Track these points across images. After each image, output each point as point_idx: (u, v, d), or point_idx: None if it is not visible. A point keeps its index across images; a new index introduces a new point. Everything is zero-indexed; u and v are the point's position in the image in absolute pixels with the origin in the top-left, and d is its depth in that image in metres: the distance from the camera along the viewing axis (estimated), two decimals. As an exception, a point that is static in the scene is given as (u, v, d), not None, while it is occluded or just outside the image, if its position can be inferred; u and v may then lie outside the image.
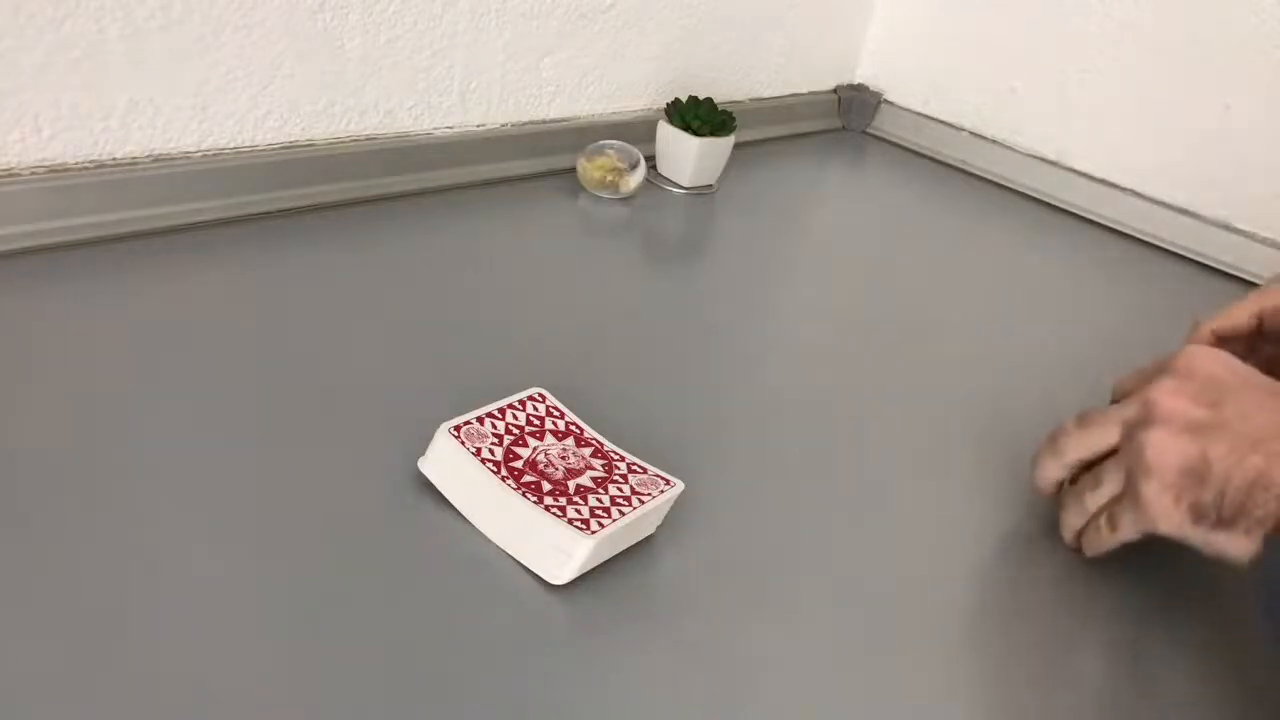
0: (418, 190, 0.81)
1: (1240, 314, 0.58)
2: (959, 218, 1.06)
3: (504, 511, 0.46)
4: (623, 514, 0.46)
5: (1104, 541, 0.50)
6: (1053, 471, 0.53)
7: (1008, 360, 0.76)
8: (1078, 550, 0.53)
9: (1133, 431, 0.48)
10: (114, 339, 0.56)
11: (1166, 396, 0.47)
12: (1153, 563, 0.52)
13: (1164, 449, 0.46)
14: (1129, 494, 0.48)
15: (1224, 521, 0.44)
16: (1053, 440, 0.53)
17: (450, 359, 0.61)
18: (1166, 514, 0.46)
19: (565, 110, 0.93)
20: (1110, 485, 0.49)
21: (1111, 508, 0.49)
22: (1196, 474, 0.45)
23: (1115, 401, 0.53)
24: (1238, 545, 0.44)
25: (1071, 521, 0.52)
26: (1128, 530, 0.48)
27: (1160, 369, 0.50)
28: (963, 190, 1.13)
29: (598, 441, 0.51)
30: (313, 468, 0.49)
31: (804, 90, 1.20)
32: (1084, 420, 0.51)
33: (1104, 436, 0.50)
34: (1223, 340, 0.58)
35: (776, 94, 1.17)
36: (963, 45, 1.16)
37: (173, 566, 0.42)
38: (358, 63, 0.75)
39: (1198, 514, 0.45)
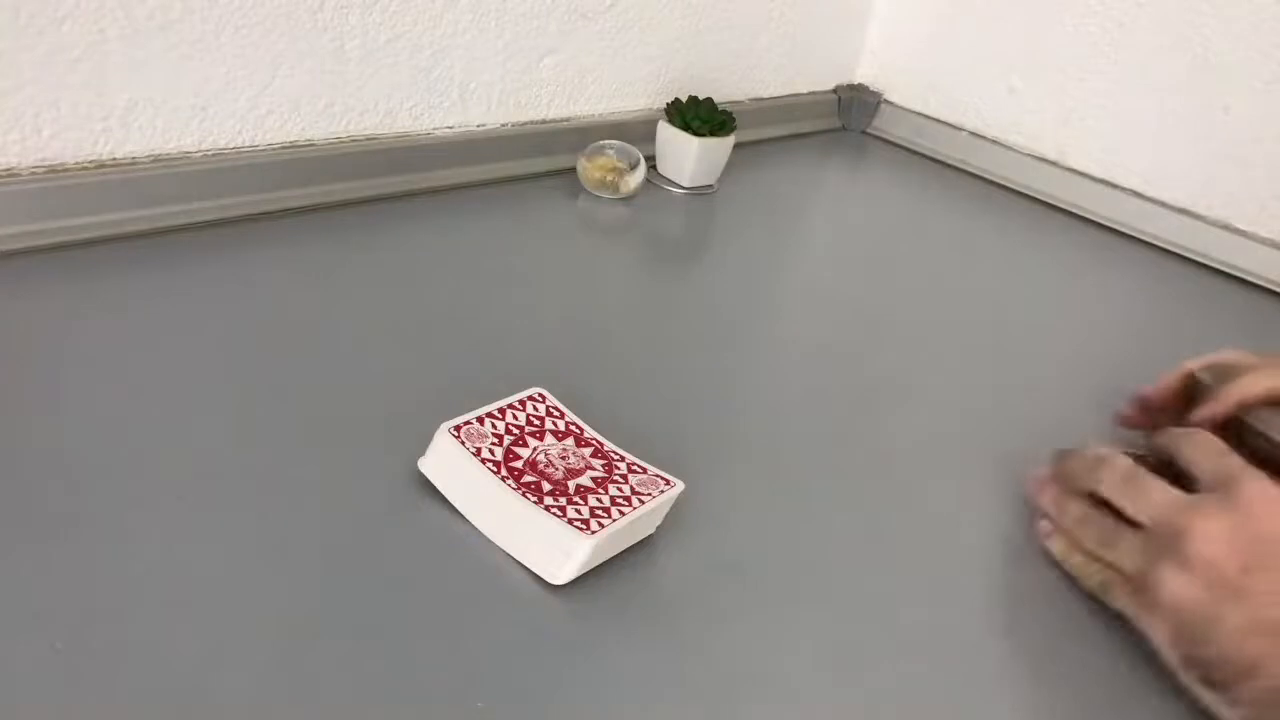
0: (418, 190, 0.81)
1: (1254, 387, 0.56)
2: (959, 218, 1.06)
3: (504, 511, 0.46)
4: (623, 514, 0.46)
5: (1086, 581, 0.50)
6: (1077, 473, 0.51)
7: (1007, 360, 0.76)
8: (1035, 515, 0.53)
9: (1160, 548, 0.45)
10: (114, 339, 0.56)
11: (1207, 541, 0.43)
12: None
13: (1179, 594, 0.44)
14: (1138, 590, 0.46)
15: (1214, 684, 0.43)
16: (1099, 462, 0.50)
17: (450, 359, 0.61)
18: (1162, 643, 0.45)
19: (565, 110, 0.93)
20: (1120, 557, 0.48)
21: (1114, 576, 0.48)
22: (1200, 633, 0.43)
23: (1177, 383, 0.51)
24: (1226, 709, 0.43)
25: (1055, 514, 0.52)
26: (1119, 606, 0.48)
27: (1223, 486, 0.45)
28: (963, 190, 1.13)
29: (598, 441, 0.51)
30: (313, 467, 0.49)
31: (804, 90, 1.21)
32: (1135, 478, 0.48)
33: (1138, 508, 0.47)
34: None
35: (776, 94, 1.17)
36: (963, 45, 1.16)
37: (172, 566, 0.42)
38: (358, 63, 0.75)
39: (1189, 664, 0.44)
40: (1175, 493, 0.47)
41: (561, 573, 0.44)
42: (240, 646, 0.39)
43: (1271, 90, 0.95)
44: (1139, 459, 0.50)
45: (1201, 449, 0.49)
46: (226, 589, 0.42)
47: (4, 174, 0.61)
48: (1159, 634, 0.45)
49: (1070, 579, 0.51)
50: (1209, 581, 0.43)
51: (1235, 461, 0.47)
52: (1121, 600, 0.48)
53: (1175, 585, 0.44)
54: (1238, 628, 0.42)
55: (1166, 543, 0.45)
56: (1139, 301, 0.94)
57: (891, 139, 1.24)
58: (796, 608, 0.47)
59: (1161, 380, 0.61)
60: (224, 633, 0.40)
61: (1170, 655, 0.45)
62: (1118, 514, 0.49)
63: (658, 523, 0.49)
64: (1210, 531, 0.44)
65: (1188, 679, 0.45)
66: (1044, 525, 0.53)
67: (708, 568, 0.48)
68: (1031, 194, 1.12)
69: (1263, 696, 0.41)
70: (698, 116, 0.91)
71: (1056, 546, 0.52)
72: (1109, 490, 0.49)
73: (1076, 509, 0.51)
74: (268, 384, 0.55)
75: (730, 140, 0.94)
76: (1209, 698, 0.44)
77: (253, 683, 0.38)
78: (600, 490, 0.48)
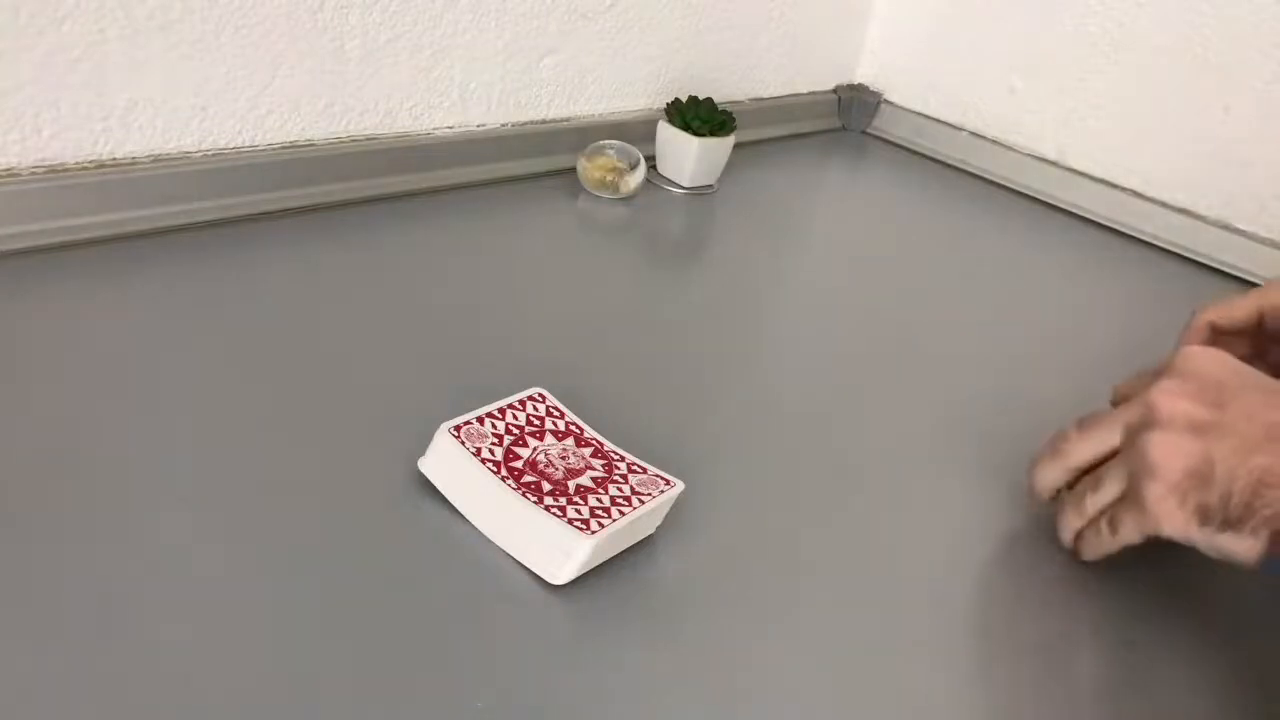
0: (418, 190, 0.81)
1: (1240, 308, 0.57)
2: (959, 218, 1.06)
3: (504, 511, 0.46)
4: (623, 514, 0.46)
5: (1104, 544, 0.50)
6: (1052, 477, 0.52)
7: (1007, 360, 0.76)
8: (1076, 554, 0.53)
9: (1134, 434, 0.47)
10: (114, 339, 0.56)
11: (1167, 398, 0.47)
12: (1149, 563, 0.52)
13: (1167, 451, 0.45)
14: (1131, 497, 0.48)
15: (1229, 523, 0.44)
16: (1053, 445, 0.52)
17: (450, 359, 0.61)
18: (1170, 516, 0.46)
19: (565, 110, 0.93)
20: (1111, 487, 0.49)
21: (1113, 510, 0.49)
22: (1200, 475, 0.44)
23: (1116, 405, 0.53)
24: (1243, 546, 0.44)
25: (1071, 524, 0.52)
26: (1129, 533, 0.48)
27: (1160, 371, 0.49)
28: (963, 190, 1.13)
29: (598, 441, 0.51)
30: (313, 467, 0.49)
31: (804, 90, 1.20)
32: (1085, 424, 0.51)
33: (1105, 439, 0.50)
34: (1222, 334, 0.57)
35: (776, 94, 1.17)
36: (963, 45, 1.16)
37: (172, 566, 0.42)
38: (358, 63, 0.75)
39: (1203, 516, 0.45)
40: (1125, 405, 0.49)
41: (561, 573, 0.44)
42: (240, 646, 0.39)
43: (1271, 90, 0.95)
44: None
45: (1143, 377, 0.51)
46: (226, 589, 0.42)
47: (4, 174, 0.61)
48: (1165, 506, 0.46)
49: (1079, 577, 0.51)
50: (1189, 427, 0.45)
51: (1170, 353, 0.50)
52: (1128, 523, 0.48)
53: (1160, 444, 0.46)
54: (1235, 452, 0.44)
55: (1140, 428, 0.47)
56: (1139, 301, 0.94)
57: (891, 139, 1.24)
58: (796, 607, 0.47)
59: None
60: (224, 633, 0.40)
61: (1183, 522, 0.45)
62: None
63: (658, 523, 0.49)
64: (1167, 391, 0.47)
65: (1203, 538, 0.45)
66: (1060, 531, 0.53)
67: (708, 568, 0.48)
68: (1031, 194, 1.12)
69: (1277, 506, 0.43)
70: (698, 116, 0.91)
71: (1084, 546, 0.52)
72: (1079, 452, 0.51)
73: (1073, 501, 0.52)
74: (268, 384, 0.55)
75: (730, 140, 0.94)
76: (1227, 545, 0.45)
77: (253, 682, 0.38)
78: (600, 490, 0.48)
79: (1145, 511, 0.47)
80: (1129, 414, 0.48)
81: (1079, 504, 0.51)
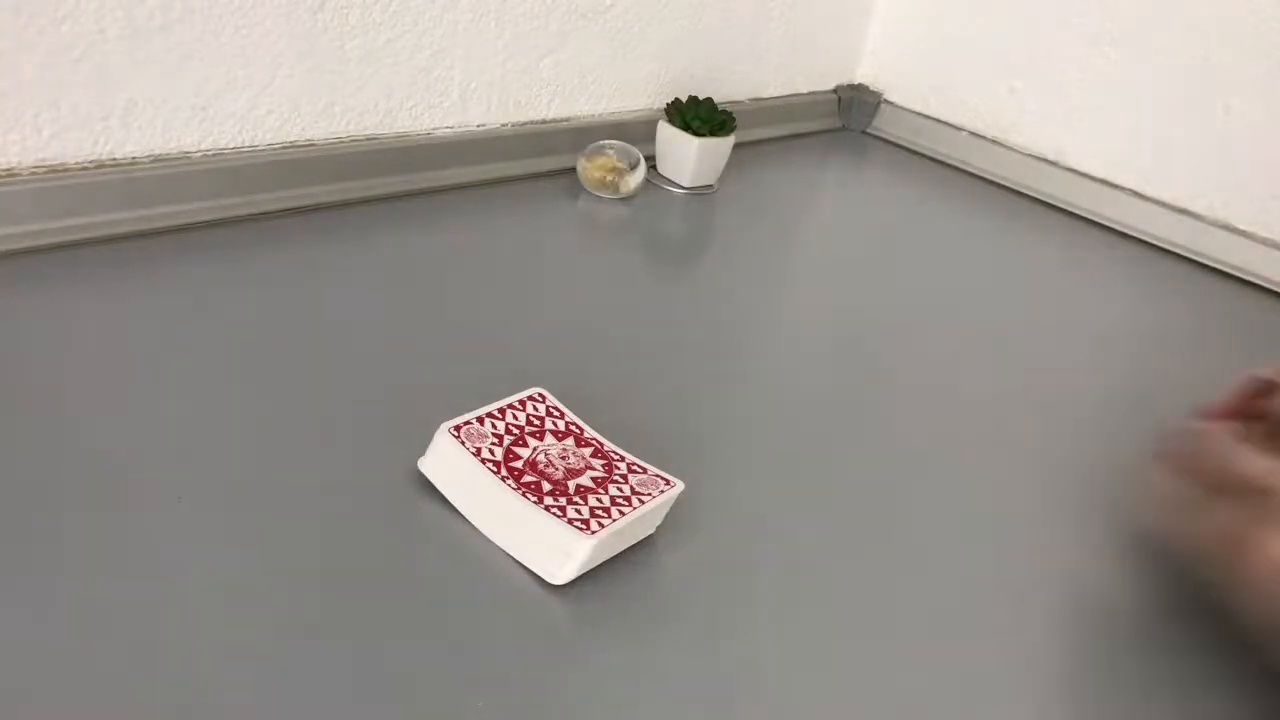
0: (418, 190, 0.81)
1: None
2: (959, 218, 1.06)
3: (504, 511, 0.46)
4: (623, 514, 0.46)
5: (1183, 553, 0.49)
6: (1213, 466, 0.51)
7: (1007, 360, 0.76)
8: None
9: (1261, 513, 0.46)
10: (114, 339, 0.56)
11: None
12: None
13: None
14: (1228, 558, 0.47)
15: None
16: (1221, 443, 0.50)
17: (450, 359, 0.61)
18: (1256, 609, 0.45)
19: (565, 110, 0.93)
20: (1216, 524, 0.48)
21: (1209, 542, 0.48)
22: None
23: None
24: None
25: (1224, 519, 0.50)
26: (1207, 575, 0.48)
27: None
28: (963, 190, 1.13)
29: (598, 441, 0.51)
30: (313, 467, 0.49)
31: (804, 90, 1.21)
32: (1229, 451, 0.49)
33: (1235, 477, 0.48)
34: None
35: (776, 94, 1.17)
36: (963, 45, 1.16)
37: (172, 566, 0.42)
38: (358, 63, 0.75)
39: None
40: (1273, 461, 0.47)
41: (561, 573, 0.44)
42: (240, 646, 0.39)
43: (1271, 90, 0.95)
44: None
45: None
46: (226, 589, 0.42)
47: (4, 174, 0.61)
48: (1254, 599, 0.45)
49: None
50: None
51: None
52: (1214, 569, 0.48)
53: (1277, 547, 0.44)
54: None
55: (1268, 508, 0.46)
56: (1139, 301, 0.94)
57: (891, 139, 1.24)
58: (796, 607, 0.47)
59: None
60: (224, 632, 0.40)
61: (1263, 622, 0.45)
62: (1221, 484, 0.49)
63: (658, 523, 0.49)
64: None
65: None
66: (1154, 500, 0.53)
67: (708, 568, 0.48)
68: (1031, 194, 1.12)
69: None
70: (698, 116, 0.91)
71: (1157, 519, 0.52)
72: (1211, 461, 0.50)
73: (1179, 486, 0.51)
74: (267, 384, 0.55)
75: (730, 140, 0.94)
76: None
77: (253, 682, 0.38)
78: (600, 490, 0.48)
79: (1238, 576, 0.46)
80: (1266, 471, 0.47)
81: (1183, 509, 0.50)
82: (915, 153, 1.21)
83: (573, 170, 0.89)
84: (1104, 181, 1.07)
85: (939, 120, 1.20)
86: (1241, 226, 0.99)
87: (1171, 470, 0.52)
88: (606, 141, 0.89)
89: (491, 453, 0.48)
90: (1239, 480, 0.48)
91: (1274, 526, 0.45)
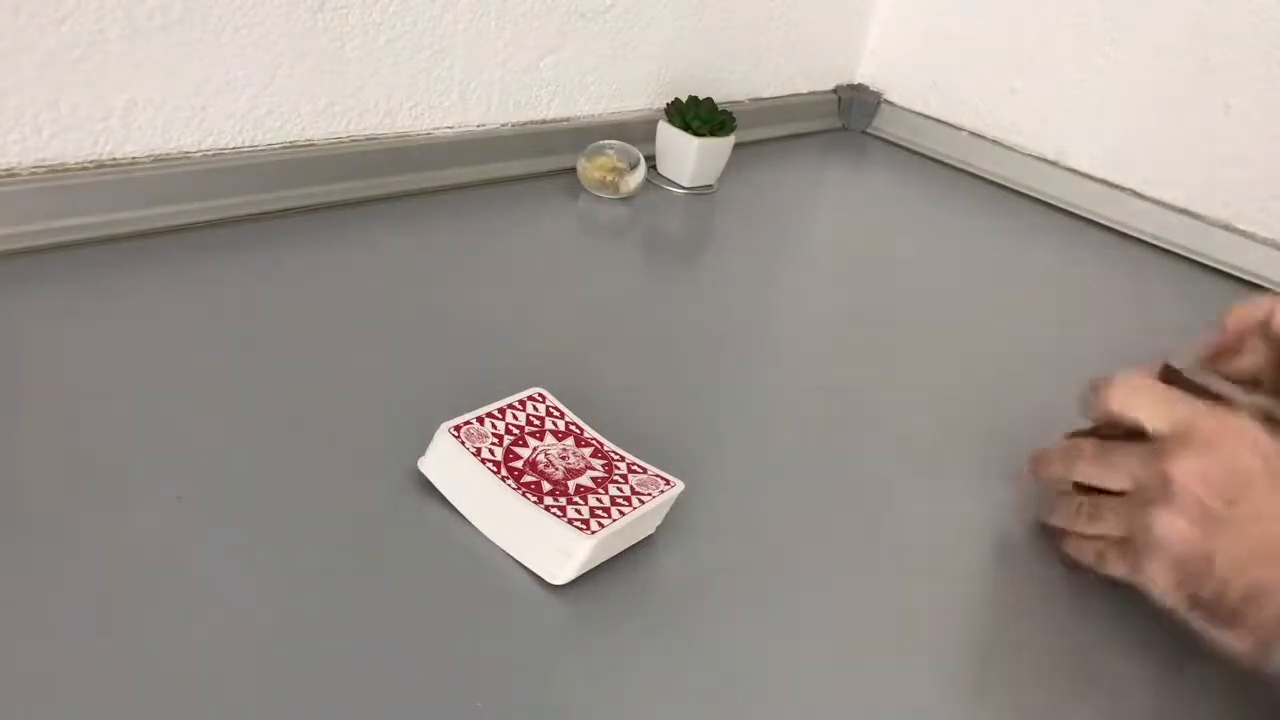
0: (418, 190, 0.81)
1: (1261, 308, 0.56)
2: (959, 218, 1.06)
3: (504, 511, 0.46)
4: (623, 514, 0.46)
5: (1087, 559, 0.50)
6: (1055, 475, 0.52)
7: (1007, 360, 0.76)
8: (1053, 536, 0.53)
9: (1144, 498, 0.46)
10: (114, 339, 0.56)
11: (1187, 479, 0.44)
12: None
13: (1172, 534, 0.44)
14: (1130, 550, 0.47)
15: (1219, 617, 0.44)
16: (1067, 455, 0.51)
17: (450, 359, 0.61)
18: (1164, 591, 0.46)
19: (565, 110, 0.93)
20: (1108, 527, 0.49)
21: (1106, 545, 0.49)
22: (1197, 569, 0.44)
23: (1093, 393, 0.52)
24: (1235, 642, 0.44)
25: (1057, 520, 0.52)
26: (1117, 572, 0.48)
27: (1185, 433, 0.46)
28: (963, 190, 1.13)
29: (598, 441, 0.51)
30: (313, 467, 0.49)
31: (804, 90, 1.20)
32: (1103, 454, 0.49)
33: (1115, 480, 0.48)
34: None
35: (776, 94, 1.17)
36: (963, 45, 1.16)
37: (172, 566, 0.42)
38: (358, 63, 0.75)
39: (1194, 604, 0.45)
40: (1141, 448, 0.48)
41: (561, 573, 0.44)
42: (240, 646, 0.39)
43: (1271, 90, 0.95)
44: (1095, 434, 0.51)
45: (1149, 401, 0.49)
46: (226, 589, 0.42)
47: (4, 174, 0.61)
48: (1160, 582, 0.45)
49: (1071, 570, 0.51)
50: (1197, 517, 0.44)
51: (1186, 407, 0.48)
52: (1117, 565, 0.48)
53: (1166, 526, 0.45)
54: (1234, 559, 0.43)
55: (1149, 495, 0.46)
56: (1139, 301, 0.94)
57: (891, 139, 1.24)
58: (796, 607, 0.47)
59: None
60: (224, 633, 0.40)
61: (1174, 601, 0.45)
62: (1102, 492, 0.50)
63: (658, 523, 0.49)
64: (1187, 469, 0.45)
65: (1195, 622, 0.45)
66: (1041, 512, 0.54)
67: (708, 568, 0.48)
68: (1031, 194, 1.12)
69: (1270, 623, 0.42)
70: (698, 116, 0.91)
71: (1069, 547, 0.52)
72: (1085, 475, 0.50)
73: (1066, 504, 0.52)
74: (267, 384, 0.55)
75: (730, 140, 0.94)
76: (1218, 635, 0.44)
77: (253, 682, 0.38)
78: (600, 490, 0.48)
79: (1140, 573, 0.46)
80: (1145, 468, 0.47)
81: (1072, 517, 0.51)
82: (915, 153, 1.21)
83: (573, 170, 0.89)
84: (1104, 181, 1.07)
85: (939, 120, 1.20)
86: (1241, 226, 0.99)
87: (1054, 494, 0.53)
88: (606, 141, 0.89)
89: (491, 453, 0.48)
90: (1117, 481, 0.48)
91: (1159, 507, 0.45)
